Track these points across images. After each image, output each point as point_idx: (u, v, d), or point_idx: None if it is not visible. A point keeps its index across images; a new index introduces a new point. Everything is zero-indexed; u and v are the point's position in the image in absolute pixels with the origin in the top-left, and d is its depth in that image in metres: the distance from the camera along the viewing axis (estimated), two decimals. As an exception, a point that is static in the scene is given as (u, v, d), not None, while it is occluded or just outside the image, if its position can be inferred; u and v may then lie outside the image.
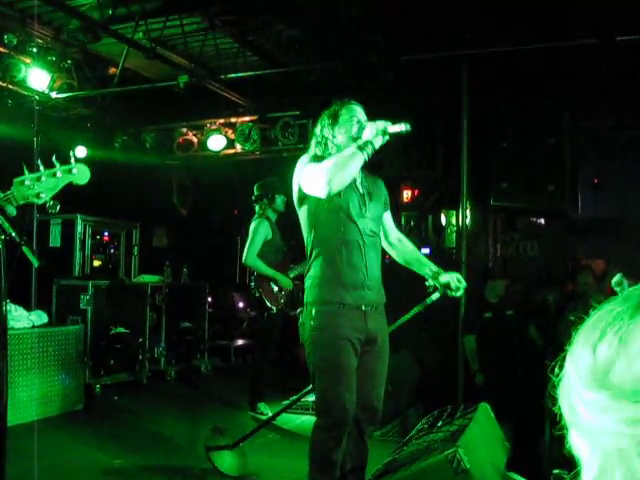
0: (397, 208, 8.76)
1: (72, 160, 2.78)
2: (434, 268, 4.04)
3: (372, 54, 7.89)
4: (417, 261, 4.15)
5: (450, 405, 4.86)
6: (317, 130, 3.87)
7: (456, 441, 3.42)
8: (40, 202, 2.70)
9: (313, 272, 3.73)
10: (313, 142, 3.89)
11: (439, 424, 4.29)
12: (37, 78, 8.71)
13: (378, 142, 3.59)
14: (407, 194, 9.08)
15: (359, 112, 3.84)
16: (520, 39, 7.16)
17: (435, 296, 4.10)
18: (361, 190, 3.81)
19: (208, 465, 5.11)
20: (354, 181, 3.72)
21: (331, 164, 3.47)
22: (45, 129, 9.25)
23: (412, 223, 8.72)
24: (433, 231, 8.37)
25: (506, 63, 7.70)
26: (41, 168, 2.65)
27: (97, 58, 9.05)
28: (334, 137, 3.78)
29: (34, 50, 8.41)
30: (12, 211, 2.62)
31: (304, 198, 3.74)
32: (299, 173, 3.70)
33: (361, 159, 3.53)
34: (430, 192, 8.92)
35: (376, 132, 3.58)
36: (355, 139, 3.69)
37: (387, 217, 4.05)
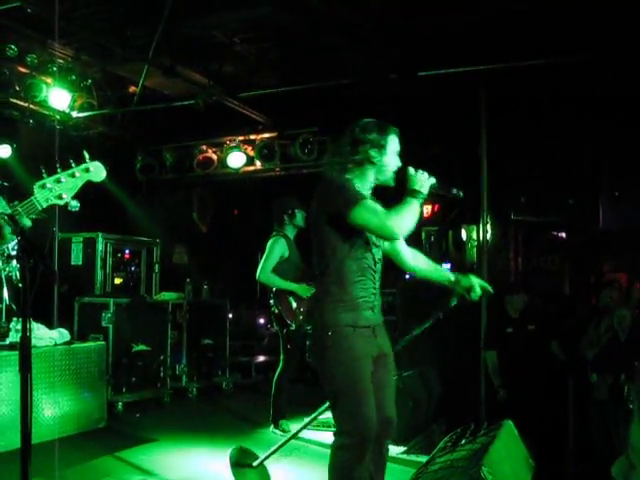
0: (417, 224, 8.76)
1: (87, 159, 2.83)
2: (453, 275, 4.13)
3: (389, 70, 7.92)
4: (436, 270, 4.24)
5: (473, 422, 4.83)
6: (351, 149, 3.78)
7: (480, 460, 3.39)
8: (62, 203, 2.75)
9: (328, 294, 3.74)
10: (349, 161, 3.80)
11: (462, 442, 4.25)
12: (58, 98, 8.81)
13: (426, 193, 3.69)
14: (427, 209, 9.06)
15: (397, 142, 3.84)
16: (537, 53, 7.16)
17: (453, 302, 4.16)
18: None
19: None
20: None
21: (403, 214, 3.57)
22: (66, 148, 9.33)
23: (432, 238, 8.70)
24: (454, 246, 8.34)
25: (523, 77, 7.69)
26: (59, 170, 2.70)
27: (116, 77, 9.13)
28: (377, 164, 3.78)
29: (55, 70, 8.50)
30: (27, 222, 2.66)
31: (332, 221, 3.69)
32: (336, 195, 3.66)
33: (419, 209, 3.65)
34: (450, 207, 8.89)
35: (429, 186, 3.68)
36: (392, 171, 3.78)
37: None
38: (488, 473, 3.22)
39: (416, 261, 4.19)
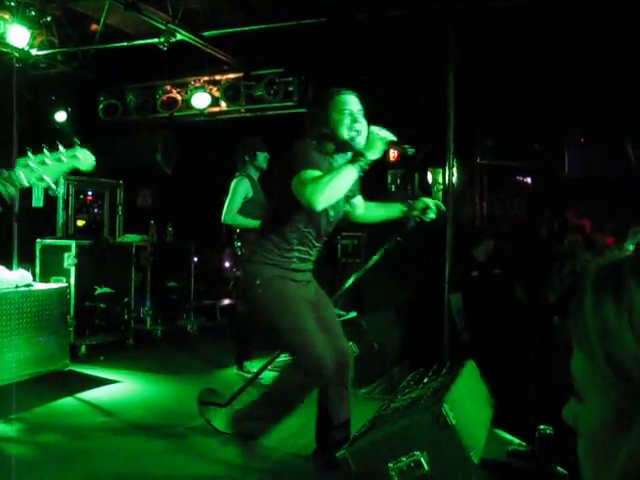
0: (383, 167, 8.71)
1: (76, 145, 2.75)
2: (405, 204, 4.24)
3: (358, 10, 7.79)
4: (387, 208, 4.37)
5: (436, 363, 4.87)
6: (310, 119, 3.96)
7: (441, 397, 3.42)
8: (43, 185, 2.67)
9: (265, 250, 3.93)
10: (308, 131, 3.96)
11: (425, 381, 4.29)
12: (17, 35, 8.54)
13: (376, 157, 3.69)
14: (393, 153, 9.00)
15: (353, 102, 3.87)
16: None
17: (411, 224, 4.25)
18: None
19: (196, 423, 5.11)
20: None
21: (327, 184, 3.53)
22: (26, 88, 9.12)
23: (398, 182, 8.66)
24: (420, 189, 8.31)
25: (492, 19, 7.62)
26: (45, 151, 2.63)
27: (78, 14, 8.88)
28: (328, 129, 3.84)
29: (13, 5, 8.24)
30: (12, 192, 2.59)
31: (285, 188, 3.76)
32: (298, 163, 3.72)
33: (355, 176, 3.66)
34: (416, 150, 8.84)
35: (383, 145, 3.71)
36: (349, 132, 3.80)
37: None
38: (449, 410, 3.24)
39: (366, 211, 4.33)
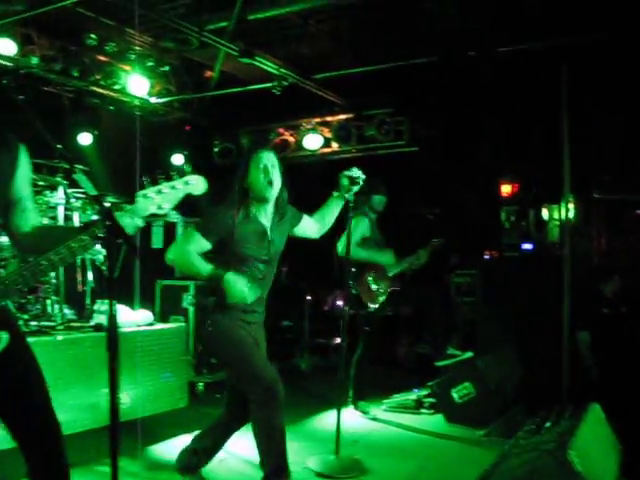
0: (496, 203, 8.61)
1: (190, 172, 2.89)
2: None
3: (467, 47, 7.78)
4: (327, 207, 4.83)
5: (556, 404, 4.73)
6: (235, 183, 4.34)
7: (566, 443, 3.32)
8: (162, 213, 2.83)
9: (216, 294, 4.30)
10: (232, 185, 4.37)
11: (547, 425, 4.17)
12: (137, 84, 8.93)
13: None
14: (506, 189, 8.89)
15: (268, 159, 4.34)
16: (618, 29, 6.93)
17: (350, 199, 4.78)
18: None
19: (314, 464, 5.13)
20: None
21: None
22: (145, 134, 9.48)
23: (512, 218, 8.53)
24: (535, 226, 8.16)
25: (605, 51, 7.46)
26: (161, 182, 2.79)
27: (193, 62, 9.21)
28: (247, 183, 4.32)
29: (133, 57, 8.63)
30: (138, 223, 2.75)
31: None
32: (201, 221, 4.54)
33: None
34: (530, 186, 8.70)
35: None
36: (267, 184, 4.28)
37: (303, 222, 4.72)
38: (575, 457, 3.14)
39: (320, 224, 4.84)
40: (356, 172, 4.58)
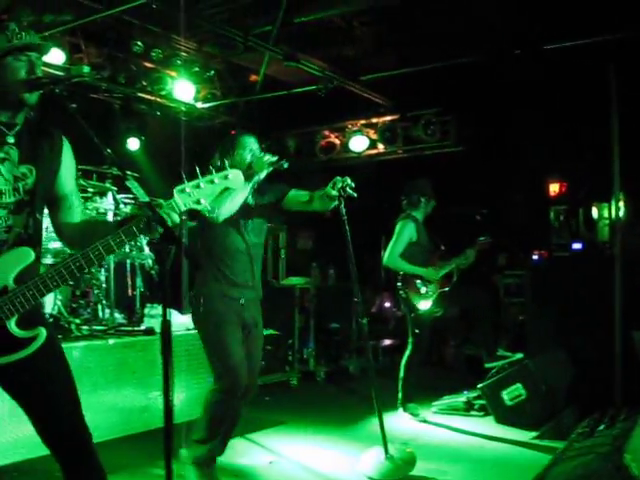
0: (544, 203, 8.50)
1: (227, 166, 2.90)
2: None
3: (513, 45, 7.71)
4: (313, 201, 4.75)
5: (609, 406, 4.66)
6: (217, 160, 4.53)
7: (622, 446, 3.26)
8: (200, 208, 2.83)
9: (207, 268, 4.63)
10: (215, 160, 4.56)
11: (600, 427, 4.11)
12: (182, 90, 9.02)
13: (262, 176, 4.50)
14: (554, 188, 8.78)
15: (252, 143, 4.63)
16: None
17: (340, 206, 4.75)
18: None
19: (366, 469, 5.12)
20: None
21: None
22: (191, 139, 9.57)
23: (561, 218, 8.41)
24: (584, 225, 8.03)
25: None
26: (199, 176, 2.80)
27: (238, 67, 9.27)
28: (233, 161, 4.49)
29: (179, 63, 8.72)
30: (176, 218, 2.75)
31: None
32: None
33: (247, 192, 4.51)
34: (579, 185, 8.58)
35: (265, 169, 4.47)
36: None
37: (292, 195, 4.78)
38: (631, 460, 3.08)
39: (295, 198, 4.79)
40: (347, 182, 4.53)
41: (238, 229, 4.57)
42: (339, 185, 4.48)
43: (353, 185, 4.57)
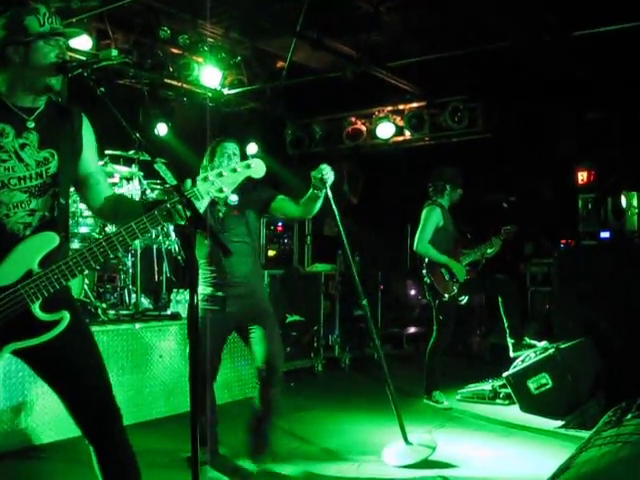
0: (572, 191, 8.42)
1: (249, 155, 2.91)
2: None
3: (542, 31, 7.63)
4: (305, 200, 4.72)
5: (635, 395, 4.60)
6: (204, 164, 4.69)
7: (649, 435, 3.22)
8: (222, 196, 2.85)
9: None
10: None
11: (627, 417, 4.06)
12: (209, 76, 9.04)
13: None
14: (582, 176, 8.69)
15: (231, 149, 4.67)
16: None
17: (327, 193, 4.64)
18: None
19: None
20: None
21: None
22: (218, 124, 9.59)
23: (589, 206, 8.32)
24: (613, 214, 7.95)
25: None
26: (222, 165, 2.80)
27: (265, 53, 9.27)
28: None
29: (206, 49, 8.73)
30: (200, 206, 2.77)
31: None
32: None
33: None
34: (607, 173, 8.50)
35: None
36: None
37: (278, 202, 4.79)
38: (659, 450, 3.04)
39: (301, 209, 4.77)
40: (325, 171, 4.47)
41: (212, 235, 4.61)
42: (318, 175, 4.48)
43: (331, 175, 4.53)
